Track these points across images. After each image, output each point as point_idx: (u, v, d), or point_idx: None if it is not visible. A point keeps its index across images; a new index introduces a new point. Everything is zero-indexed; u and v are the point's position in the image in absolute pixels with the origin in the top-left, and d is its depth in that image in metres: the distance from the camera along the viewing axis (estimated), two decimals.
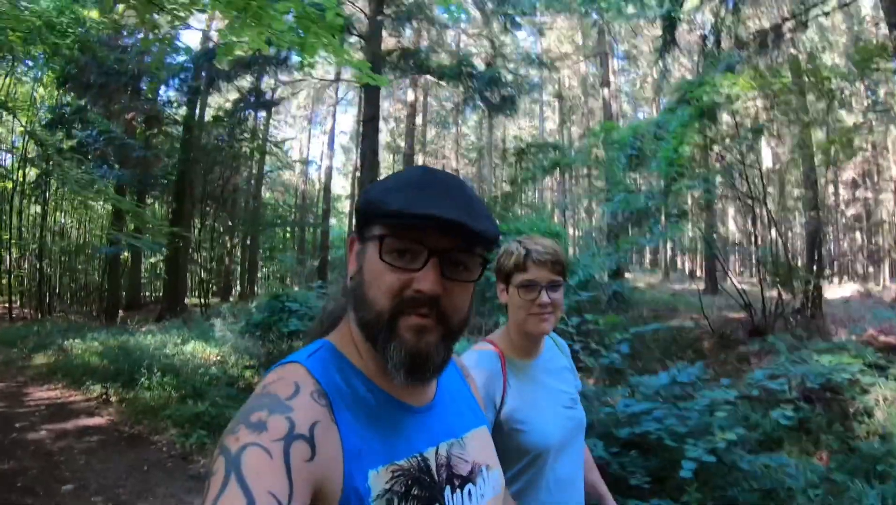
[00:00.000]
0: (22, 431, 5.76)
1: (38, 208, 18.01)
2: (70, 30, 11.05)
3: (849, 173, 23.85)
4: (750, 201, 9.25)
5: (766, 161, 18.25)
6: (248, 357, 8.02)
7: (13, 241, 17.27)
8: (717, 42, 10.14)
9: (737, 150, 7.92)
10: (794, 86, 11.52)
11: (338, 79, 17.29)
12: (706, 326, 10.22)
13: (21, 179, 16.34)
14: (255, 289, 22.70)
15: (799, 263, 15.92)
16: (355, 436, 0.70)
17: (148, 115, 15.56)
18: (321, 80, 15.92)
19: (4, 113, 14.46)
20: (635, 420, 3.61)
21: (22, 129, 14.70)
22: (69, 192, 14.77)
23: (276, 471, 0.60)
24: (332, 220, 26.84)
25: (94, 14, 11.21)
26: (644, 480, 3.19)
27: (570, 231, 23.52)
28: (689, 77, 13.32)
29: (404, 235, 0.72)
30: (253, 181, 21.33)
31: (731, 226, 27.38)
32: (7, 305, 16.19)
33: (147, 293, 20.53)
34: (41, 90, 16.38)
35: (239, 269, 23.30)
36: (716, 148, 8.07)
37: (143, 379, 6.96)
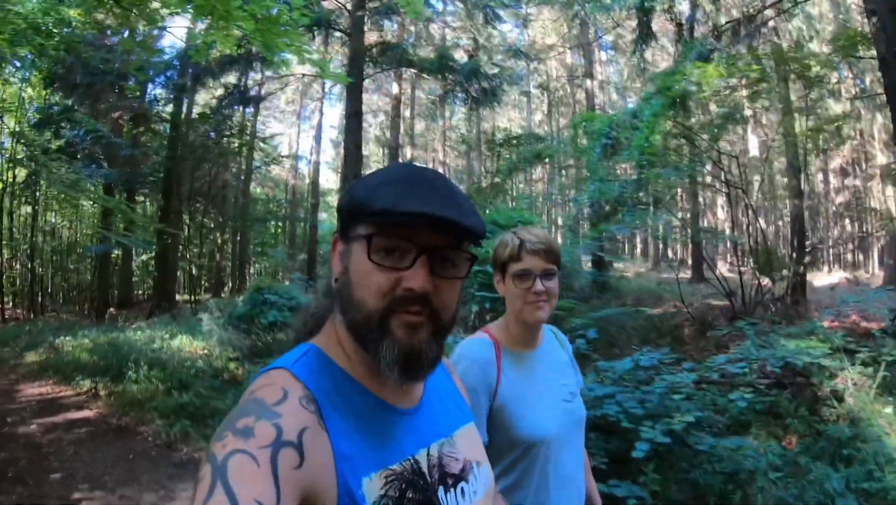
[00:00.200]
0: (13, 425, 5.91)
1: (29, 209, 18.03)
2: (55, 30, 11.09)
3: (837, 161, 24.02)
4: (726, 189, 9.41)
5: (753, 149, 18.40)
6: (231, 349, 8.20)
7: (4, 242, 17.28)
8: (691, 31, 10.24)
9: (709, 139, 8.03)
10: (775, 73, 11.63)
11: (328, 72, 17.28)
12: (691, 313, 10.42)
13: (11, 180, 16.37)
14: (247, 284, 22.80)
15: (784, 251, 16.12)
16: (345, 441, 0.69)
17: (135, 113, 15.58)
18: (305, 75, 15.93)
19: None
20: (598, 403, 3.68)
21: (10, 130, 14.73)
22: (57, 192, 14.83)
23: (263, 478, 0.59)
24: (324, 215, 26.92)
25: (77, 14, 11.24)
26: (602, 462, 3.27)
27: (560, 221, 23.68)
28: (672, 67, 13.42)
29: (392, 234, 0.71)
30: (242, 177, 21.34)
31: (721, 214, 27.56)
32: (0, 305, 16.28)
33: (139, 291, 20.60)
34: (29, 90, 16.37)
35: (230, 265, 23.38)
36: (688, 137, 8.18)
37: (130, 373, 7.12)
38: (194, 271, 18.79)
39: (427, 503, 0.74)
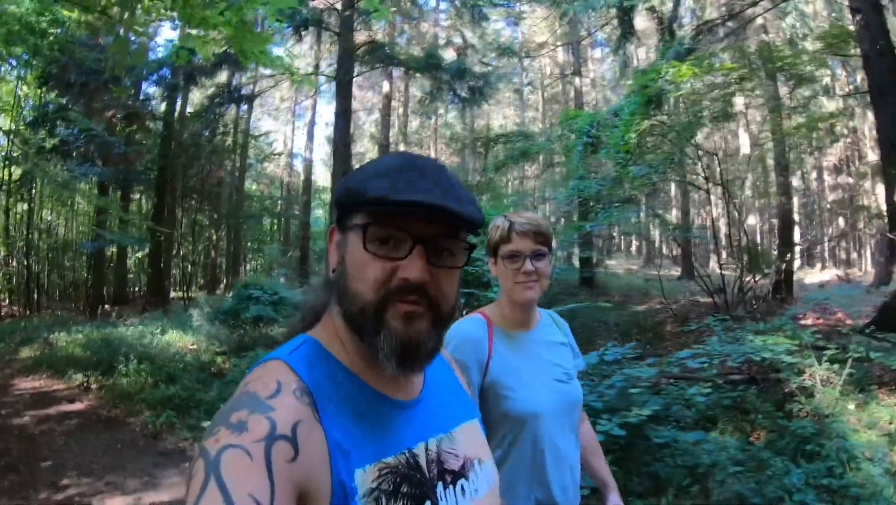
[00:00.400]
0: (6, 417, 6.12)
1: (25, 206, 18.13)
2: (50, 30, 11.25)
3: (830, 159, 24.13)
4: (706, 187, 9.56)
5: (745, 147, 18.51)
6: (219, 344, 8.40)
7: (0, 240, 17.41)
8: (670, 29, 10.37)
9: (684, 137, 8.17)
10: (763, 71, 11.71)
11: (316, 71, 17.43)
12: (674, 310, 10.60)
13: (7, 178, 16.48)
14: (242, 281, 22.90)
15: (774, 249, 16.25)
16: (341, 434, 0.68)
17: (128, 111, 15.70)
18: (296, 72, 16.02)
19: None
20: None
21: (6, 129, 14.85)
22: (51, 190, 14.95)
23: (257, 472, 0.57)
24: (319, 212, 27.07)
25: (74, 14, 11.37)
26: None
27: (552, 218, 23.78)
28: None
29: (387, 223, 0.70)
30: (237, 174, 21.46)
31: (715, 212, 27.66)
32: None
33: (134, 288, 20.74)
34: (25, 88, 16.47)
35: (225, 261, 23.53)
36: (664, 135, 8.32)
37: (121, 367, 7.33)
38: (188, 268, 18.92)
39: (423, 498, 0.72)
